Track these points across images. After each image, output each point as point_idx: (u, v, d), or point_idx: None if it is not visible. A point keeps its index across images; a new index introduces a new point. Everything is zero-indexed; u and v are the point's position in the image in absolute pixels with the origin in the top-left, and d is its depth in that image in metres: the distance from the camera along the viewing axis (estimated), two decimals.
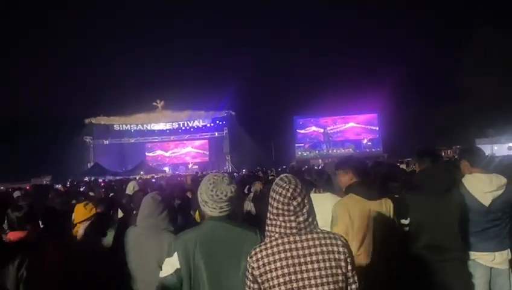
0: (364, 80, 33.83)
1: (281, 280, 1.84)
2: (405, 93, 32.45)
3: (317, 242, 1.90)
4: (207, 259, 2.23)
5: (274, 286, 1.85)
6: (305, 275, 1.85)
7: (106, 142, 38.47)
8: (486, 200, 3.43)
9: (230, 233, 2.30)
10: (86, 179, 22.70)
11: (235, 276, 2.21)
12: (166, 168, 37.17)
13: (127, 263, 3.11)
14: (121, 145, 38.82)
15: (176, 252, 2.25)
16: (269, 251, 1.89)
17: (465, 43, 29.75)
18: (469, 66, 27.59)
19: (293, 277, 1.84)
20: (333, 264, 1.88)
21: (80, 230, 4.06)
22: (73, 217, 4.51)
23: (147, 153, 40.20)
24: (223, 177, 2.38)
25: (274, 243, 1.91)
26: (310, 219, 1.94)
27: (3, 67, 31.46)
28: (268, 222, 1.98)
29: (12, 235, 2.91)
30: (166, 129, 39.50)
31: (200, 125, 39.00)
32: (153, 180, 16.56)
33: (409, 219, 3.45)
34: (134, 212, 4.24)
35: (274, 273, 1.86)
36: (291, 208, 1.91)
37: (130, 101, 34.39)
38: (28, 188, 12.46)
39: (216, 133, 38.55)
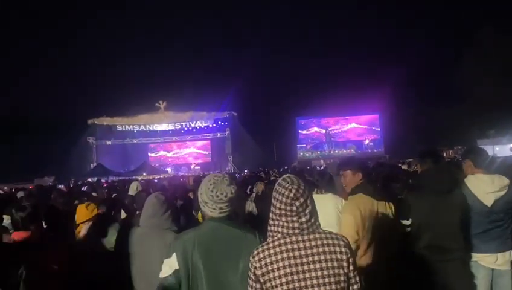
0: (366, 80, 33.88)
1: (283, 279, 1.85)
2: (407, 94, 32.47)
3: (319, 242, 1.91)
4: (205, 260, 2.23)
5: (276, 286, 1.85)
6: (307, 275, 1.85)
7: (109, 142, 38.55)
8: (488, 201, 3.42)
9: (229, 234, 2.30)
10: (89, 179, 22.73)
11: (233, 277, 2.21)
12: (169, 169, 37.23)
13: (130, 264, 3.11)
14: (123, 146, 38.89)
15: (174, 253, 2.25)
16: (271, 251, 1.90)
17: (466, 44, 29.73)
18: (470, 67, 27.57)
19: (295, 277, 1.85)
20: (335, 264, 1.88)
21: (82, 230, 4.07)
22: (76, 218, 4.53)
23: (149, 154, 40.27)
24: (223, 178, 2.37)
25: (276, 243, 1.91)
26: (313, 220, 1.94)
27: (8, 68, 31.57)
28: (271, 222, 1.98)
29: (17, 236, 2.92)
30: (169, 130, 39.56)
31: (202, 126, 39.05)
32: (156, 180, 16.58)
33: (410, 219, 3.44)
34: (138, 212, 4.24)
35: (276, 273, 1.86)
36: (294, 208, 1.91)
37: (133, 102, 34.52)
38: (30, 188, 12.49)
39: (218, 134, 38.60)
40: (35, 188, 10.52)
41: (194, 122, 38.94)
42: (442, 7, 34.33)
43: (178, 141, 40.49)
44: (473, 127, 27.31)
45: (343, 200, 4.09)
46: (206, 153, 40.79)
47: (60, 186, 15.53)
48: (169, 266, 2.25)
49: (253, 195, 7.02)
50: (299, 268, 1.86)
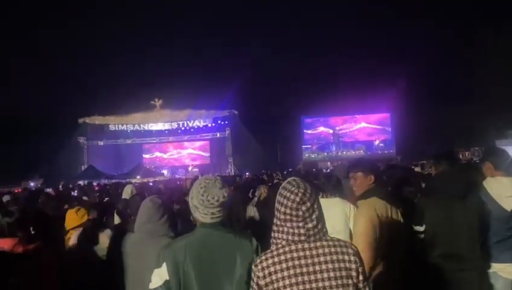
0: (376, 77, 33.80)
1: None
2: (420, 92, 32.38)
3: (326, 250, 1.91)
4: (198, 269, 2.23)
5: None
6: (313, 285, 1.85)
7: (101, 143, 38.55)
8: (508, 205, 3.41)
9: (223, 241, 2.30)
10: (80, 182, 22.75)
11: (228, 287, 2.22)
12: (165, 171, 37.21)
13: (124, 272, 3.11)
14: (116, 147, 38.86)
15: (164, 263, 2.24)
16: (276, 259, 1.89)
17: (485, 40, 29.62)
18: (488, 64, 27.48)
19: (300, 287, 1.84)
20: (343, 273, 1.88)
21: (72, 237, 4.08)
22: (65, 223, 4.53)
23: (144, 155, 40.26)
24: (215, 181, 2.37)
25: (281, 250, 1.91)
26: (320, 226, 1.94)
27: None
28: (275, 228, 1.98)
29: (3, 243, 2.92)
30: (165, 129, 39.52)
31: (201, 126, 38.99)
32: (151, 183, 16.57)
33: (424, 225, 3.43)
34: (132, 218, 4.24)
35: (281, 283, 1.86)
36: (300, 213, 1.91)
37: (127, 100, 34.44)
38: (16, 191, 12.52)
39: (218, 134, 38.54)
40: (22, 192, 10.55)
41: (192, 121, 38.89)
42: (462, 1, 34.21)
43: (175, 141, 40.44)
44: (490, 127, 27.22)
45: (351, 205, 4.08)
46: (205, 154, 40.76)
47: (48, 189, 15.52)
48: (160, 276, 2.24)
49: (255, 199, 7.01)
50: (305, 278, 1.85)
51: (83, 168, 33.61)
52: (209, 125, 38.75)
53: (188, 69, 36.39)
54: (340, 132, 39.14)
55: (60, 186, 18.46)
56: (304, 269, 1.86)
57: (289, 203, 1.91)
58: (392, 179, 4.94)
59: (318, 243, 1.92)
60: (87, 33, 36.27)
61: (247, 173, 25.86)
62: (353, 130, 39.50)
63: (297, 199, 1.91)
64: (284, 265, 1.87)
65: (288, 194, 1.93)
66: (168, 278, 2.22)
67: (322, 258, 1.88)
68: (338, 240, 1.98)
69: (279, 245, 1.93)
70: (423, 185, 5.32)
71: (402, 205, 3.53)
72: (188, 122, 38.89)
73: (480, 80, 28.18)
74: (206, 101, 36.28)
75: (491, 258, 3.44)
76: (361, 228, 3.18)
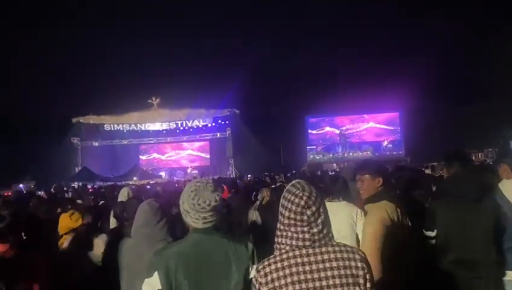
0: (385, 74, 33.63)
1: None
2: (431, 90, 32.22)
3: (332, 256, 1.90)
4: (191, 278, 2.22)
5: None
6: None
7: (96, 143, 38.58)
8: None
9: (216, 247, 2.30)
10: (73, 185, 22.80)
11: None
12: (163, 173, 37.25)
13: (120, 279, 3.11)
14: (112, 148, 38.90)
15: (156, 272, 2.23)
16: (279, 265, 1.89)
17: (498, 33, 29.56)
18: (503, 60, 27.41)
19: None
20: (350, 281, 1.88)
21: (65, 242, 4.09)
22: (58, 228, 4.54)
23: (140, 156, 40.31)
24: (206, 184, 2.37)
25: (284, 256, 1.91)
26: (325, 231, 1.94)
27: None
28: (278, 233, 1.98)
29: None
30: (163, 129, 39.54)
31: (200, 125, 38.99)
32: (148, 186, 16.61)
33: (435, 230, 3.43)
34: (128, 222, 4.24)
35: None
36: (305, 218, 1.91)
37: (123, 99, 34.32)
38: (6, 195, 12.54)
39: (218, 134, 38.54)
40: (13, 195, 10.57)
41: (191, 120, 38.90)
42: None
43: (173, 141, 40.47)
44: (505, 127, 27.17)
45: (358, 209, 4.08)
46: (205, 155, 40.78)
47: (39, 192, 15.55)
48: (151, 286, 2.24)
49: (257, 203, 7.02)
50: (310, 285, 1.85)
51: (76, 170, 33.64)
52: (209, 125, 38.73)
53: (187, 66, 36.23)
54: (347, 132, 39.06)
55: (53, 189, 18.50)
56: (309, 276, 1.85)
57: (293, 207, 1.91)
58: (401, 181, 4.93)
59: (323, 249, 1.91)
60: (81, 29, 36.23)
61: (249, 175, 25.83)
62: (360, 130, 39.41)
63: (302, 202, 1.91)
64: (287, 271, 1.87)
65: (292, 198, 1.93)
66: (160, 287, 2.21)
67: (327, 265, 1.88)
68: (344, 245, 1.98)
69: (283, 250, 1.93)
70: (434, 187, 5.32)
71: (412, 209, 3.52)
72: (187, 121, 38.88)
73: (495, 77, 28.13)
74: (206, 100, 36.20)
75: (507, 264, 3.43)
76: (372, 232, 3.14)
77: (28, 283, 2.77)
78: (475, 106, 29.26)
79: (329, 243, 1.94)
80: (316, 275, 1.86)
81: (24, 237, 3.54)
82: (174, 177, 33.51)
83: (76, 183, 24.10)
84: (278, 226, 1.98)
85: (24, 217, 4.09)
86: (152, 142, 40.22)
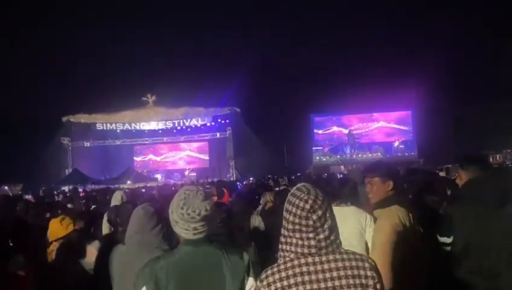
0: (396, 70, 33.59)
1: None
2: (445, 87, 32.18)
3: (340, 264, 1.90)
4: None
5: None
6: None
7: (87, 144, 38.63)
8: None
9: (209, 259, 2.30)
10: (63, 188, 22.84)
11: None
12: (158, 176, 37.31)
13: (113, 288, 3.12)
14: (104, 148, 38.93)
15: (144, 286, 2.23)
16: (283, 274, 1.89)
17: None
18: None
19: None
20: None
21: (55, 249, 4.09)
22: (48, 234, 4.55)
23: (135, 158, 40.36)
24: (197, 192, 2.36)
25: (289, 264, 1.91)
26: (332, 237, 1.94)
27: None
28: (283, 239, 1.97)
29: None
30: (159, 129, 39.58)
31: (199, 125, 39.04)
32: (143, 190, 16.62)
33: (452, 237, 3.41)
34: (122, 228, 4.25)
35: None
36: (310, 223, 1.90)
37: (116, 96, 34.33)
38: None
39: (218, 134, 38.56)
40: (0, 199, 10.57)
41: (189, 119, 38.95)
42: None
43: (170, 142, 40.51)
44: None
45: (367, 215, 4.07)
46: (204, 156, 40.81)
47: (27, 196, 15.58)
48: None
49: (260, 207, 7.03)
50: None
51: (66, 172, 33.74)
52: (208, 124, 38.77)
53: (185, 62, 36.26)
54: (356, 132, 38.97)
55: (41, 192, 18.53)
56: (315, 286, 1.85)
57: (298, 212, 1.91)
58: (414, 184, 4.91)
59: (331, 257, 1.91)
60: (72, 22, 36.28)
61: (250, 178, 25.84)
62: (370, 130, 39.32)
63: (307, 206, 1.90)
64: (292, 281, 1.86)
65: (297, 202, 1.93)
66: None
67: (335, 274, 1.87)
68: (353, 253, 1.98)
69: (287, 258, 1.93)
70: (449, 191, 5.30)
71: (425, 214, 3.51)
72: (185, 121, 38.93)
73: None
74: (205, 98, 36.18)
75: None
76: (382, 239, 3.12)
77: None
78: (493, 106, 29.20)
79: (337, 251, 1.94)
80: (322, 285, 1.85)
81: (11, 244, 3.54)
82: (171, 180, 33.56)
83: (66, 186, 24.11)
84: (281, 232, 1.98)
85: (11, 222, 4.10)
86: (147, 142, 40.26)
